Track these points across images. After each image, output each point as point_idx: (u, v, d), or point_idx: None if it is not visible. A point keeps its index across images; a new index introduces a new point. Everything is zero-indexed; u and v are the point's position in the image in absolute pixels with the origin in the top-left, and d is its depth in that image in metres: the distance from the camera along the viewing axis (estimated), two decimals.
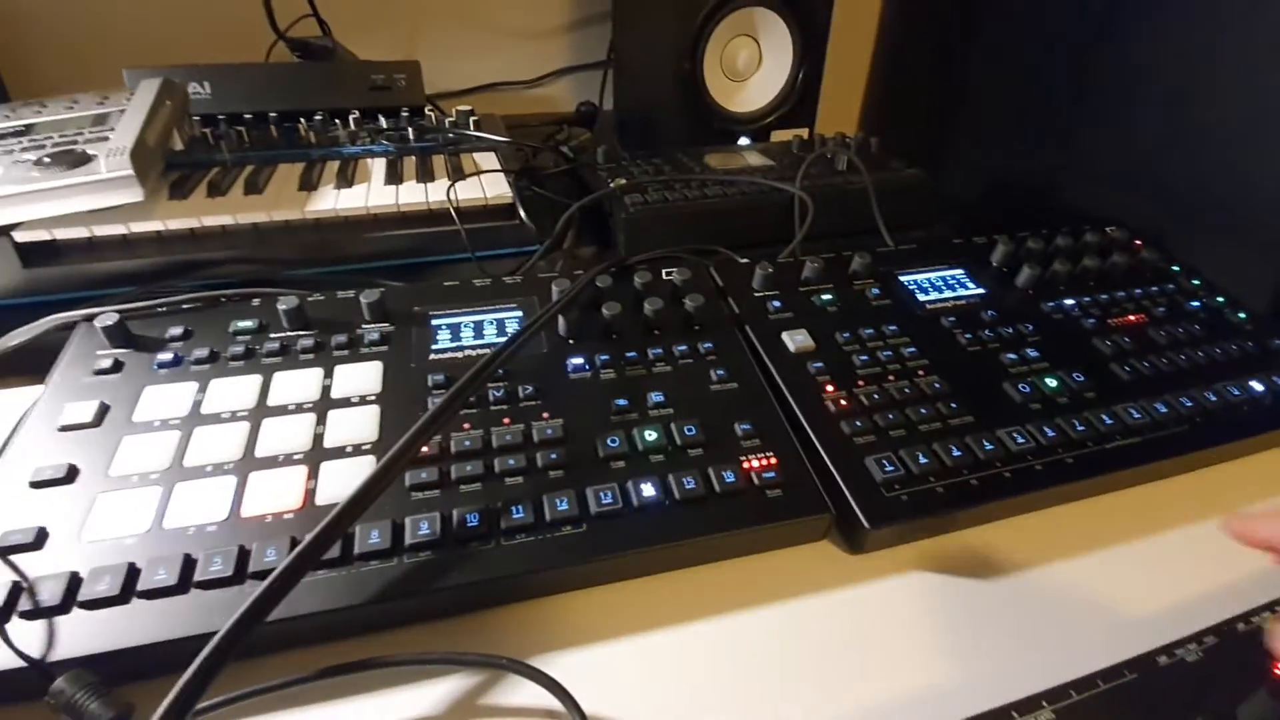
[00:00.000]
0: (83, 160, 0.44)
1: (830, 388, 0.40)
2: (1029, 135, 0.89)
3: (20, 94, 0.73)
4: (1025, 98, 0.89)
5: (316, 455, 0.33)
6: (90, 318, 0.39)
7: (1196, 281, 0.52)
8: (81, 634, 0.26)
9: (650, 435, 0.35)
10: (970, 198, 0.94)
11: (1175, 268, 0.53)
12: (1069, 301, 0.48)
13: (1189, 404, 0.41)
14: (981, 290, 0.49)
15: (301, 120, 0.66)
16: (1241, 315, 0.49)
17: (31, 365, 0.41)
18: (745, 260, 0.51)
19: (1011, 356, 0.43)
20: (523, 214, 0.55)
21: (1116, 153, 0.77)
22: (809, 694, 0.28)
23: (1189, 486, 0.39)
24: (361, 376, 0.37)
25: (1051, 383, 0.41)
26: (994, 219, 0.90)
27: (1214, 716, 0.24)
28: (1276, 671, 0.27)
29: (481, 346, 0.40)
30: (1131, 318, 0.47)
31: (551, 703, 0.27)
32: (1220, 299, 0.50)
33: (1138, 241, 0.55)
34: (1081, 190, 0.82)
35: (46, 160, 0.44)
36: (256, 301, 0.42)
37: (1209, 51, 0.65)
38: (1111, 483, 0.38)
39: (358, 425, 0.34)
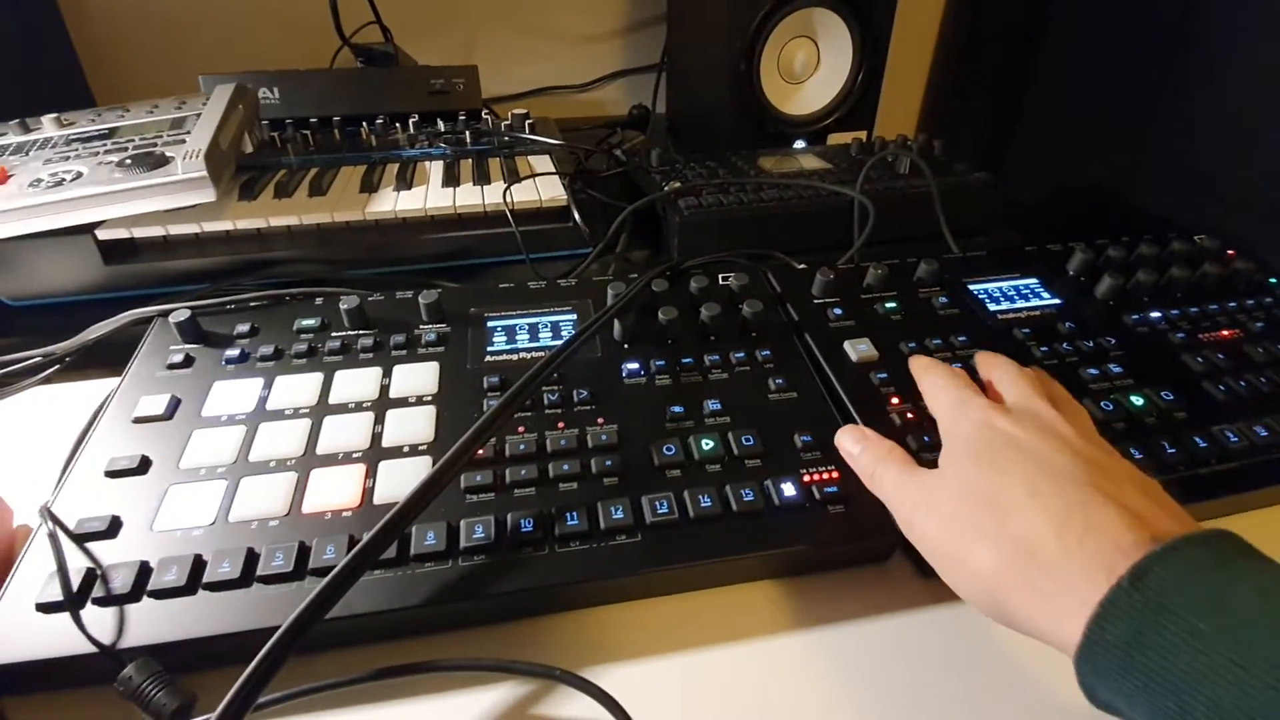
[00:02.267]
0: (161, 162, 0.45)
1: (895, 400, 0.38)
2: (1102, 136, 0.84)
3: (105, 98, 0.78)
4: (1098, 96, 0.84)
5: (375, 454, 0.33)
6: (165, 314, 0.40)
7: None
8: (150, 623, 0.26)
9: (707, 444, 0.34)
10: (1037, 202, 0.90)
11: (1273, 280, 0.49)
12: (1155, 314, 0.45)
13: None
14: (1058, 300, 0.46)
15: (364, 124, 0.67)
16: None
17: (109, 358, 0.43)
18: (804, 266, 0.49)
19: (1092, 371, 0.40)
20: (577, 216, 0.55)
21: (1200, 155, 0.72)
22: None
23: None
24: (419, 377, 0.37)
25: (1137, 400, 0.38)
26: (1064, 225, 0.86)
27: None
28: None
29: (536, 349, 0.40)
30: (1225, 333, 0.44)
31: (603, 716, 0.26)
32: None
33: (1230, 251, 0.51)
34: (1160, 195, 0.77)
35: (128, 162, 0.46)
36: (319, 300, 0.43)
37: None
38: (1205, 511, 0.35)
39: (415, 425, 0.35)
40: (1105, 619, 0.21)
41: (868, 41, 0.75)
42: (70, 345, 0.43)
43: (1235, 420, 0.38)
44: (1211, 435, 0.37)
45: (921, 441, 0.35)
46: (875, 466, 0.31)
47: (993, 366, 0.34)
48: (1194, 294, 0.47)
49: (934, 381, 0.34)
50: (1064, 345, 0.42)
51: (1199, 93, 0.72)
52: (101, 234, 0.48)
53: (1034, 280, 0.48)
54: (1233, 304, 0.46)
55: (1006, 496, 0.26)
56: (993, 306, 0.45)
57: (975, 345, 0.42)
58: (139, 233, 0.49)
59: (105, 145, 0.49)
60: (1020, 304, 0.46)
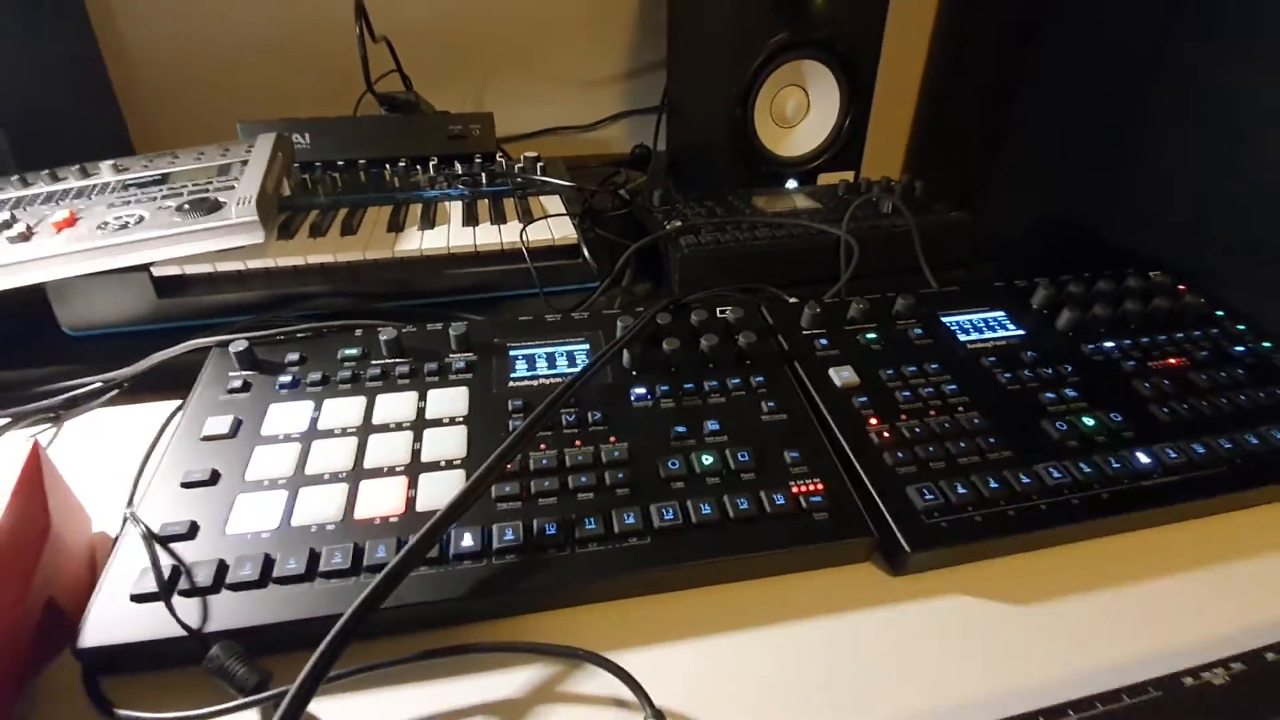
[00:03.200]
0: (215, 207, 0.51)
1: (874, 421, 0.43)
2: (1074, 177, 0.91)
3: (141, 142, 0.83)
4: (1070, 140, 0.91)
5: (415, 468, 0.38)
6: (223, 344, 0.45)
7: (1242, 327, 0.53)
8: (229, 611, 0.31)
9: (707, 459, 0.39)
10: (1015, 238, 0.96)
11: (1220, 312, 0.55)
12: (1109, 344, 0.50)
13: (1229, 446, 0.42)
14: (1022, 331, 0.51)
15: (387, 166, 0.73)
16: None
17: (163, 383, 0.48)
18: (794, 300, 0.54)
19: (1050, 395, 0.45)
20: (586, 253, 0.60)
21: (1165, 196, 0.78)
22: (847, 699, 0.31)
23: (1226, 527, 0.41)
24: (451, 400, 0.42)
25: (1089, 422, 0.43)
26: (1038, 260, 0.91)
27: None
28: None
29: (554, 376, 0.45)
30: (1172, 361, 0.49)
31: (622, 692, 0.30)
32: (1267, 344, 0.51)
33: (1181, 286, 0.57)
34: (1128, 233, 0.83)
35: (185, 207, 0.51)
36: (359, 332, 0.47)
37: (1259, 95, 0.66)
38: (1147, 519, 0.40)
39: (449, 443, 0.39)
40: None
41: (854, 90, 0.81)
42: (131, 371, 0.48)
43: (1177, 439, 0.42)
44: (1155, 453, 0.41)
45: (897, 458, 0.40)
46: None
47: None
48: (1146, 325, 0.52)
49: None
50: (1026, 372, 0.47)
51: (1161, 138, 0.78)
52: (156, 270, 0.53)
53: (1001, 313, 0.53)
54: (1180, 335, 0.51)
55: None
56: (963, 337, 0.50)
57: (947, 372, 0.46)
58: (189, 269, 0.54)
59: (161, 190, 0.55)
60: (988, 334, 0.51)
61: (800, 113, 0.84)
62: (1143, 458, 0.41)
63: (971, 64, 1.05)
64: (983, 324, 0.52)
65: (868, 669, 0.32)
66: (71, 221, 0.50)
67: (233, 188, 0.54)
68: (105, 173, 0.59)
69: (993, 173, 1.03)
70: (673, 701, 0.30)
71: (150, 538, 0.32)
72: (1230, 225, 0.72)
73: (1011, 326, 0.51)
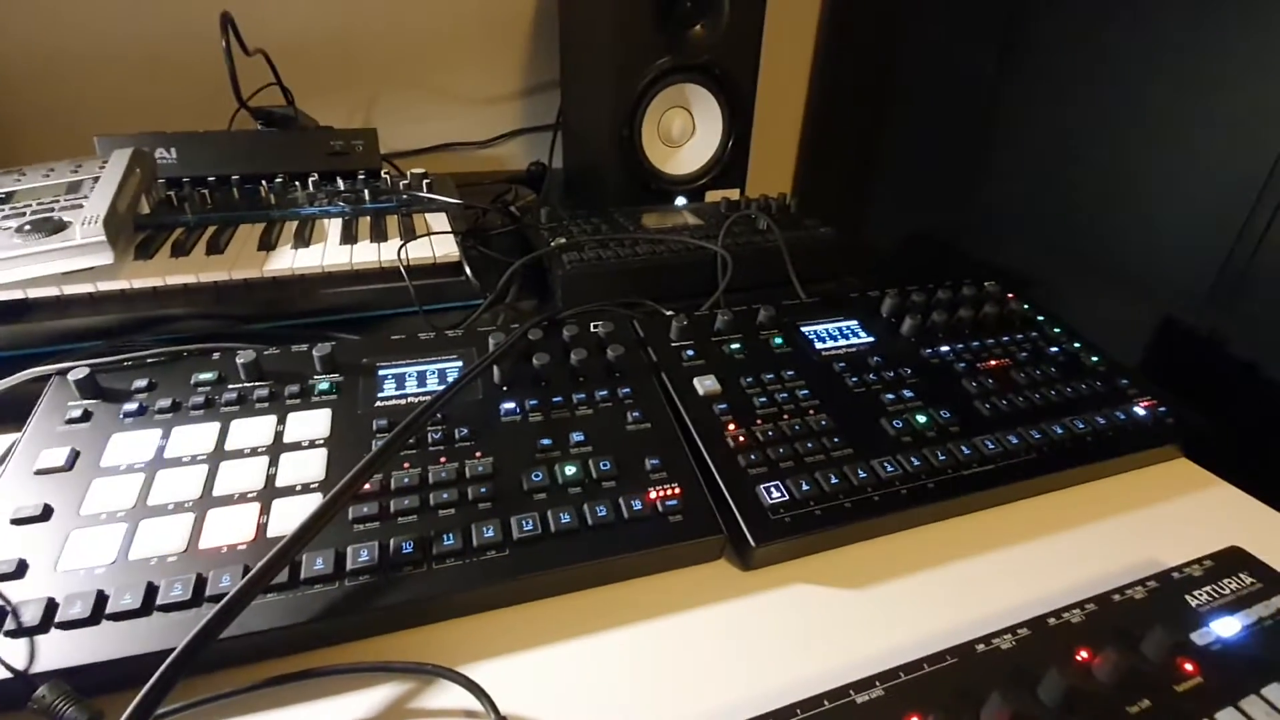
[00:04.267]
0: (59, 227, 0.48)
1: (732, 426, 0.46)
2: (939, 196, 0.99)
3: None
4: (935, 161, 1.00)
5: (269, 493, 0.37)
6: (63, 371, 0.42)
7: (1058, 329, 0.60)
8: (58, 650, 0.29)
9: (570, 470, 0.40)
10: (889, 250, 1.04)
11: (1040, 317, 0.61)
12: (945, 348, 0.55)
13: (1038, 436, 0.48)
14: (871, 338, 0.56)
15: (263, 183, 0.71)
16: (1095, 359, 0.57)
17: (7, 415, 0.45)
18: (668, 312, 0.57)
19: (890, 396, 0.49)
20: (468, 271, 0.61)
21: (1015, 212, 0.87)
22: (692, 691, 0.33)
23: (1035, 508, 0.46)
24: (312, 423, 0.42)
25: (922, 419, 0.48)
26: (907, 271, 0.99)
27: (1017, 691, 0.30)
28: (1078, 658, 0.33)
29: (424, 394, 0.45)
30: (994, 362, 0.54)
31: (473, 704, 0.31)
32: (1077, 344, 0.58)
33: (1010, 294, 0.63)
34: (985, 246, 0.92)
35: (27, 228, 0.48)
36: (216, 356, 0.46)
37: (1094, 118, 0.75)
38: (967, 504, 0.44)
39: (307, 466, 0.39)
40: None
41: (735, 112, 0.86)
42: None
43: (995, 431, 0.47)
44: (974, 444, 0.46)
45: (749, 459, 0.43)
46: None
47: None
48: (977, 331, 0.58)
49: None
50: (871, 376, 0.51)
51: (1007, 155, 0.87)
52: None
53: (854, 322, 0.57)
54: (1006, 338, 0.58)
55: None
56: (819, 345, 0.54)
57: (802, 378, 0.50)
58: (33, 293, 0.51)
59: (2, 210, 0.51)
60: (841, 342, 0.55)
61: (686, 133, 0.88)
62: (964, 449, 0.46)
63: (847, 89, 1.13)
64: (838, 332, 0.56)
65: (715, 660, 0.35)
66: None
67: (80, 206, 0.51)
68: None
69: (868, 192, 1.11)
70: (521, 708, 0.31)
71: None
72: (1057, 241, 0.81)
73: (862, 334, 0.56)
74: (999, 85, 0.86)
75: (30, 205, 0.52)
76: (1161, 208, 0.71)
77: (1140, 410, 0.52)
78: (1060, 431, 0.48)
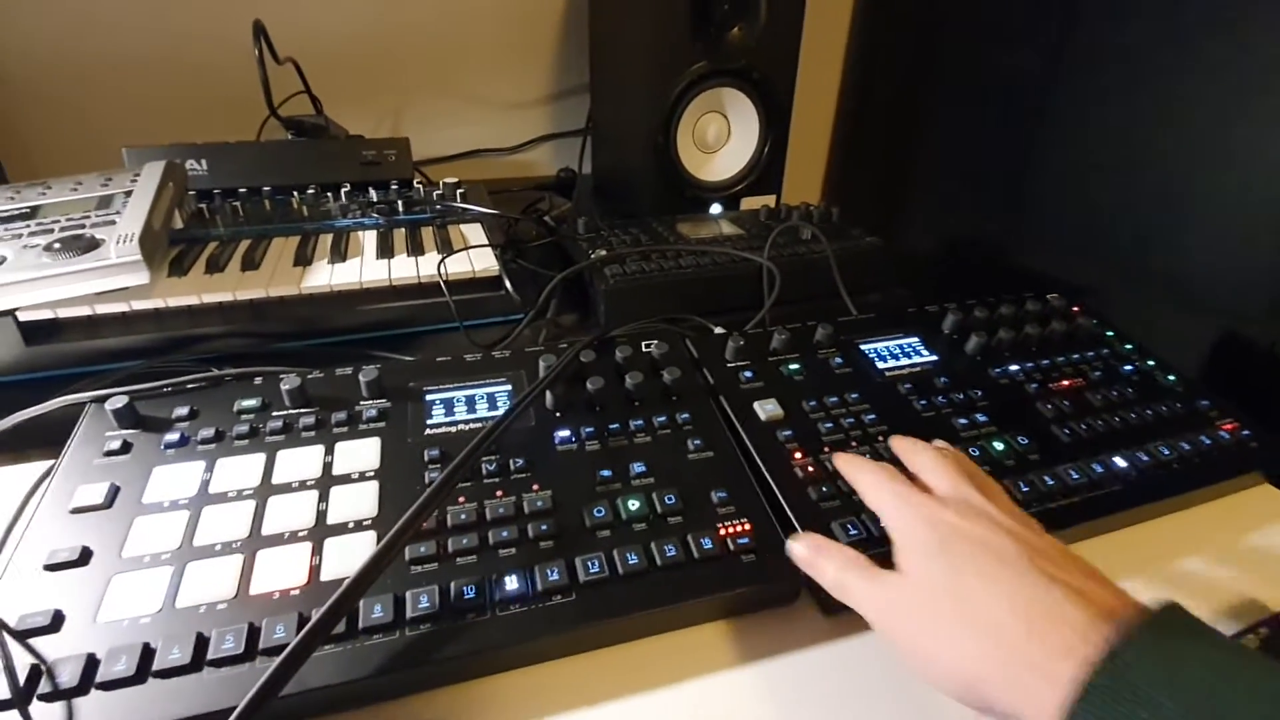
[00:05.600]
0: (92, 245, 0.46)
1: (799, 454, 0.43)
2: (982, 201, 0.96)
3: (17, 171, 0.76)
4: (977, 165, 0.96)
5: (320, 532, 0.35)
6: (100, 399, 0.40)
7: (1129, 346, 0.57)
8: (100, 715, 0.27)
9: (633, 504, 0.38)
10: (928, 260, 1.01)
11: (1110, 333, 0.58)
12: (1014, 367, 0.52)
13: (1123, 464, 0.45)
14: (935, 357, 0.53)
15: (295, 194, 0.69)
16: (1171, 378, 0.54)
17: (38, 440, 0.43)
18: (720, 331, 0.54)
19: (962, 421, 0.47)
20: (509, 285, 0.59)
21: (1063, 218, 0.83)
22: None
23: (1122, 543, 0.43)
24: (361, 453, 0.39)
25: (999, 446, 0.45)
26: (950, 281, 0.96)
27: None
28: None
29: (474, 420, 0.43)
30: (1067, 382, 0.51)
31: None
32: (1151, 362, 0.55)
33: (1075, 308, 0.60)
34: (1031, 253, 0.89)
35: (56, 246, 0.46)
36: (259, 380, 0.44)
37: (1150, 123, 0.72)
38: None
39: (359, 501, 0.37)
40: (1081, 704, 0.23)
41: (771, 117, 0.83)
42: None
43: (1077, 459, 0.45)
44: (1057, 474, 0.43)
45: (821, 492, 0.40)
46: (840, 575, 0.32)
47: (914, 453, 0.37)
48: (1045, 348, 0.55)
49: (869, 480, 0.35)
50: (939, 398, 0.48)
51: (1055, 161, 0.83)
52: (23, 315, 0.48)
53: (915, 339, 0.54)
54: (1076, 355, 0.55)
55: (966, 589, 0.28)
56: (880, 364, 0.52)
57: (866, 401, 0.47)
58: (64, 313, 0.49)
59: (28, 226, 0.49)
60: (904, 361, 0.52)
61: (722, 139, 0.85)
62: (1047, 479, 0.43)
63: (882, 93, 1.10)
64: (898, 350, 0.53)
65: (797, 713, 0.32)
66: None
67: (113, 223, 0.49)
68: None
69: (906, 196, 1.07)
70: None
71: (3, 633, 0.29)
72: (1107, 250, 0.78)
73: (925, 352, 0.53)
74: (1046, 88, 0.83)
75: (59, 221, 0.51)
76: (1220, 216, 0.67)
77: (1223, 434, 0.49)
78: (1146, 459, 0.45)
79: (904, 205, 1.08)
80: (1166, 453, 0.46)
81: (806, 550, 0.34)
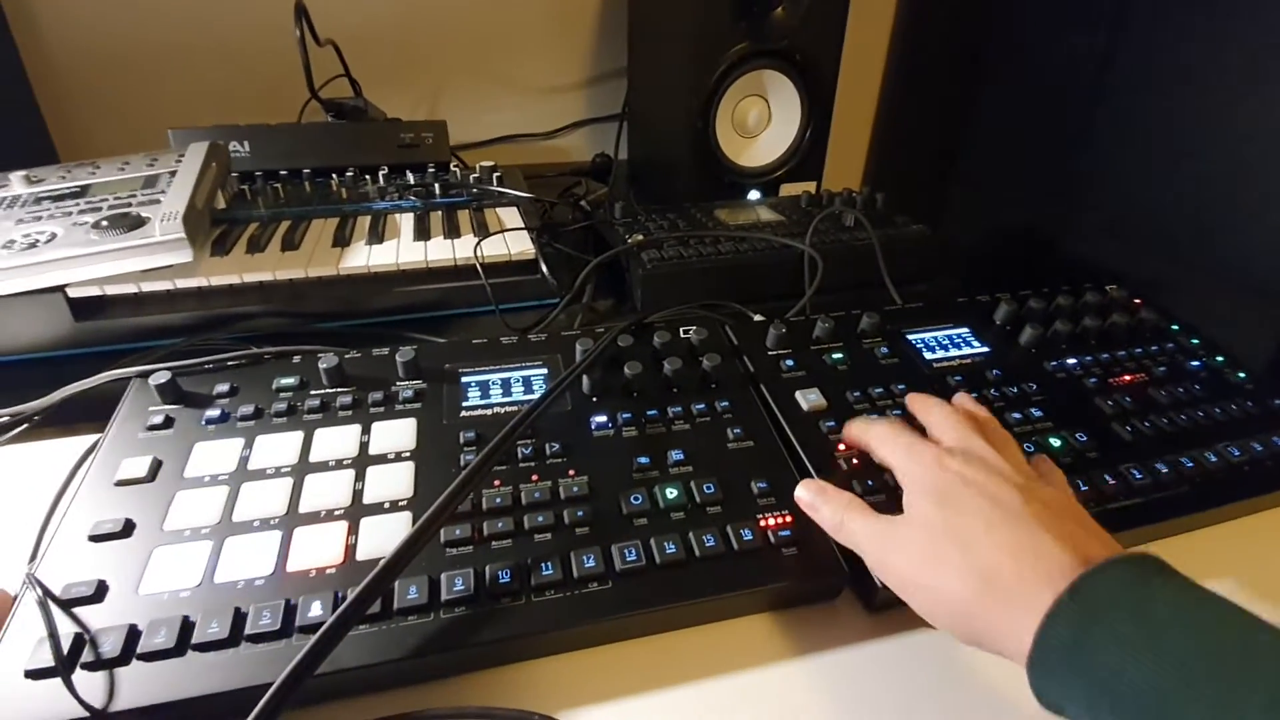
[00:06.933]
0: (138, 223, 0.47)
1: (842, 446, 0.41)
2: (1030, 188, 0.92)
3: (68, 152, 0.78)
4: (1026, 151, 0.92)
5: (356, 511, 0.35)
6: (144, 375, 0.41)
7: (1196, 340, 0.54)
8: (140, 685, 0.27)
9: (671, 493, 0.37)
10: (973, 249, 0.97)
11: (1175, 326, 0.55)
12: (1071, 361, 0.50)
13: (1190, 465, 0.42)
14: (986, 349, 0.51)
15: (334, 176, 0.69)
16: (1241, 375, 0.51)
17: (79, 414, 0.44)
18: (760, 319, 0.53)
19: (1016, 416, 0.44)
20: (545, 269, 0.58)
21: (1118, 206, 0.79)
22: None
23: (1189, 546, 0.40)
24: (397, 433, 0.39)
25: (1056, 442, 0.43)
26: (997, 271, 0.92)
27: None
28: None
29: (509, 403, 0.42)
30: (1130, 377, 0.49)
31: None
32: (1220, 358, 0.52)
33: (1137, 300, 0.57)
34: (1083, 243, 0.85)
35: (104, 223, 0.47)
36: (297, 359, 0.44)
37: (1209, 108, 0.68)
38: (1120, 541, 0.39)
39: (394, 482, 0.36)
40: (1049, 627, 0.25)
41: (814, 101, 0.81)
42: (41, 405, 0.44)
43: (1140, 459, 0.42)
44: (1119, 473, 0.41)
45: (866, 485, 0.39)
46: (842, 516, 0.34)
47: (927, 409, 0.38)
48: (1105, 341, 0.52)
49: (879, 434, 0.37)
50: (992, 391, 0.46)
51: (1108, 152, 0.79)
52: (72, 291, 0.48)
53: (965, 329, 0.52)
54: (1139, 350, 0.52)
55: (968, 533, 0.30)
56: (928, 355, 0.49)
57: (914, 392, 0.45)
58: (111, 290, 0.50)
59: (78, 205, 0.50)
60: (953, 352, 0.50)
61: (762, 123, 0.83)
62: (1108, 478, 0.40)
63: (928, 75, 1.07)
64: (947, 341, 0.51)
65: (846, 713, 0.31)
66: None
67: (158, 202, 0.50)
68: (16, 185, 0.54)
69: (949, 183, 1.04)
70: None
71: (49, 602, 0.29)
72: (1183, 237, 0.74)
73: (975, 344, 0.51)
74: (1100, 73, 0.79)
75: (106, 200, 0.51)
76: None
77: None
78: (1214, 460, 0.43)
79: (948, 193, 1.04)
80: (1237, 454, 0.43)
81: (808, 493, 0.36)
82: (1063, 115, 0.84)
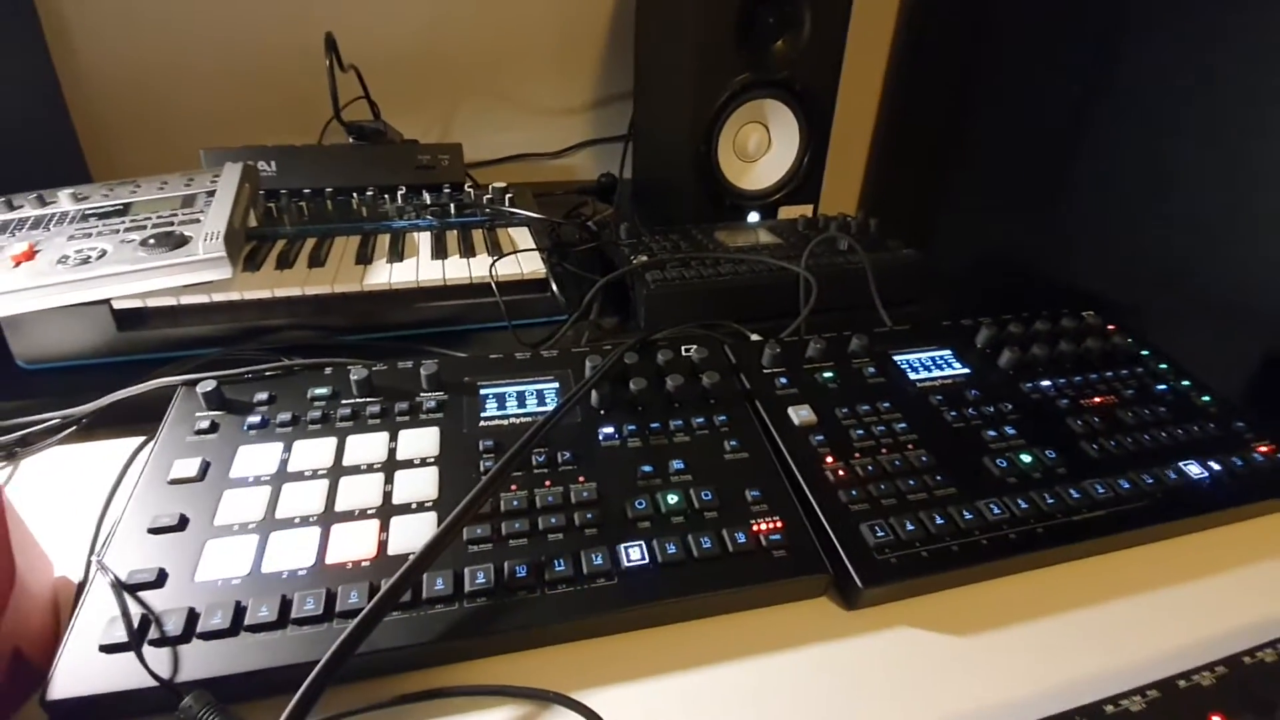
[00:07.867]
0: (181, 242, 0.50)
1: (830, 459, 0.45)
2: (1019, 217, 0.96)
3: (101, 172, 0.82)
4: (1016, 181, 0.97)
5: (387, 510, 0.38)
6: (190, 383, 0.44)
7: (1164, 366, 0.57)
8: (201, 660, 0.31)
9: (672, 499, 0.40)
10: (961, 274, 1.01)
11: (1145, 351, 0.59)
12: (1046, 383, 0.54)
13: (1150, 481, 0.46)
14: (967, 370, 0.54)
15: (355, 195, 0.73)
16: (1206, 399, 0.54)
17: (128, 417, 0.47)
18: (757, 338, 0.57)
19: (992, 433, 0.48)
20: (555, 288, 0.62)
21: (1096, 236, 0.84)
22: None
23: (1149, 558, 0.44)
24: (422, 440, 0.43)
25: (1027, 459, 0.46)
26: (983, 296, 0.96)
27: None
28: None
29: (524, 414, 0.46)
30: (1100, 399, 0.52)
31: None
32: (1186, 382, 0.56)
33: (1111, 326, 0.61)
34: (1069, 270, 0.89)
35: (151, 241, 0.50)
36: (329, 370, 0.48)
37: (1182, 145, 0.72)
38: (1077, 552, 0.43)
39: (421, 484, 0.40)
40: None
41: (812, 128, 0.85)
42: (91, 407, 0.47)
43: (1104, 475, 0.46)
44: (1084, 488, 0.44)
45: (850, 495, 0.42)
46: None
47: None
48: (1079, 364, 0.56)
49: None
50: (970, 410, 0.50)
51: (1094, 178, 0.83)
52: (117, 303, 0.52)
53: (948, 351, 0.56)
54: (1110, 373, 0.55)
55: None
56: (913, 375, 0.53)
57: (898, 410, 0.49)
58: (152, 302, 0.54)
59: (124, 222, 0.54)
60: (936, 373, 0.54)
61: (762, 149, 0.87)
62: (1073, 493, 0.44)
63: (922, 106, 1.11)
64: (931, 362, 0.55)
65: (824, 701, 0.34)
66: (30, 255, 0.50)
67: (199, 220, 0.54)
68: (64, 202, 0.58)
69: (941, 211, 1.08)
70: None
71: (119, 586, 0.32)
72: (1151, 266, 0.78)
73: (957, 365, 0.55)
74: (1087, 105, 0.83)
75: (150, 218, 0.55)
76: (1261, 235, 0.67)
77: (1258, 456, 0.49)
78: (1174, 477, 0.46)
79: (941, 219, 1.08)
80: (1197, 472, 0.47)
81: None
82: (1052, 147, 0.89)
